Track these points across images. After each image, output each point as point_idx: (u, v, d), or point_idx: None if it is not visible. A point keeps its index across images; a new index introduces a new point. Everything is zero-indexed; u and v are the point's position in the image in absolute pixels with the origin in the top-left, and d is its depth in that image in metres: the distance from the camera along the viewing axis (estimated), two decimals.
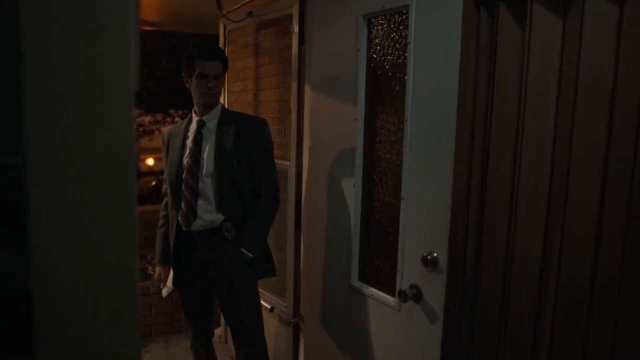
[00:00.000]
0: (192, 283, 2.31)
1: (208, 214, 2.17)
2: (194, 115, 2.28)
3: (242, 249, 2.17)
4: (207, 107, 2.24)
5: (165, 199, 2.39)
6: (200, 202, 2.16)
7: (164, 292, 2.48)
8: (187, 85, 2.26)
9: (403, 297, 1.79)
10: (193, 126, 2.26)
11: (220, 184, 2.15)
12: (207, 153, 2.19)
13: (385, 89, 1.97)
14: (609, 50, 1.25)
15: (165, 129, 2.42)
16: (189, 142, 2.23)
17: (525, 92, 1.43)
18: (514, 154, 1.52)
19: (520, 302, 1.62)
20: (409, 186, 1.81)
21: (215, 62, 2.17)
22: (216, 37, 3.49)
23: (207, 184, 2.16)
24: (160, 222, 2.42)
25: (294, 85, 2.56)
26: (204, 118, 2.24)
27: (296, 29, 2.53)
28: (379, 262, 2.05)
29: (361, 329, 2.08)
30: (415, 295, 1.79)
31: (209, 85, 2.16)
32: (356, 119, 2.02)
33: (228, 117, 2.26)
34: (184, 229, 2.21)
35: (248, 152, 2.19)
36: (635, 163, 1.23)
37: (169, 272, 2.40)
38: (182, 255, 2.27)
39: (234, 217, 2.18)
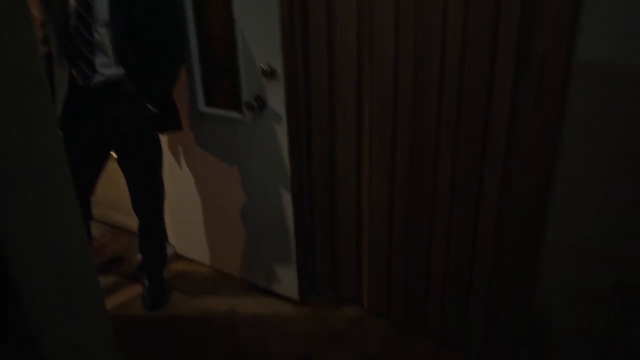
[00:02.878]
0: (85, 138, 2.09)
1: (107, 68, 1.97)
2: None
3: (148, 105, 2.05)
4: None
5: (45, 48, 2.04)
6: (97, 55, 1.94)
7: None
8: None
9: (250, 108, 2.08)
10: None
11: (118, 34, 1.93)
12: None
13: None
14: None
15: None
16: None
17: None
18: None
19: (344, 100, 2.02)
20: (240, 10, 1.99)
21: None
22: None
23: (103, 35, 1.93)
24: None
25: None
26: None
27: None
28: (223, 85, 2.27)
29: (216, 148, 2.36)
30: (260, 105, 2.08)
31: None
32: None
33: None
34: (79, 83, 1.97)
35: None
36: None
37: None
38: (74, 111, 2.02)
39: (135, 70, 2.01)
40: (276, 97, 2.04)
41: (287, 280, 2.40)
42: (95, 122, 2.05)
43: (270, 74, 2.00)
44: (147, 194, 2.31)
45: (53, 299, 0.87)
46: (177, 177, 2.58)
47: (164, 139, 2.44)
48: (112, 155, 2.27)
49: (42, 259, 0.84)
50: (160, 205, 2.37)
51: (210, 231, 2.63)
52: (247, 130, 2.20)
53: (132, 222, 2.48)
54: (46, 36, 2.01)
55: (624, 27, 1.34)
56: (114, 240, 3.07)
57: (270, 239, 2.37)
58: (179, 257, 2.86)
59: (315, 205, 2.33)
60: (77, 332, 0.94)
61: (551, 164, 1.54)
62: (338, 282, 2.44)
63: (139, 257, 2.46)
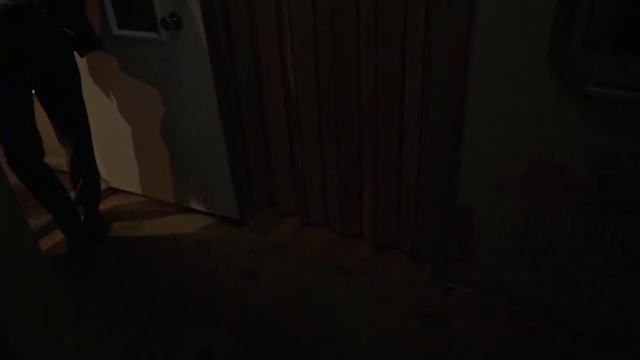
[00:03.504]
0: (3, 79, 1.90)
1: None
2: None
3: (65, 29, 1.92)
4: None
5: None
6: None
7: None
8: None
9: (166, 25, 1.98)
10: None
11: None
12: None
13: None
14: None
15: None
16: None
17: None
18: None
19: (265, 11, 1.96)
20: None
21: None
22: None
23: None
24: None
25: None
26: None
27: None
28: (134, 5, 2.14)
29: (136, 72, 2.26)
30: (177, 22, 1.99)
31: None
32: None
33: None
34: None
35: None
36: None
37: None
38: None
39: None
40: (192, 15, 1.95)
41: (226, 201, 2.42)
42: (11, 57, 1.86)
43: None
44: (75, 121, 2.19)
45: None
46: (101, 108, 2.47)
47: (84, 67, 2.32)
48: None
49: None
50: (89, 130, 2.25)
51: (141, 160, 2.57)
52: (165, 49, 2.11)
53: (61, 160, 2.37)
54: None
55: None
56: None
57: (203, 161, 2.36)
58: (113, 190, 2.80)
59: (244, 121, 2.31)
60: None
61: (465, 65, 1.59)
62: (276, 197, 2.48)
63: (72, 194, 2.38)
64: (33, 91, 2.05)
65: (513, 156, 1.65)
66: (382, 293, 2.01)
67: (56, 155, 2.37)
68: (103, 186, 2.67)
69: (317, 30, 1.90)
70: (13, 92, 1.92)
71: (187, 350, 1.82)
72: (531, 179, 1.65)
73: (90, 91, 2.40)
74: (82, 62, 2.29)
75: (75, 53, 2.11)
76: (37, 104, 2.06)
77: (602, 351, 1.72)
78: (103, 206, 2.60)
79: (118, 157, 2.63)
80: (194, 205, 2.55)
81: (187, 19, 1.98)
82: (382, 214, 2.15)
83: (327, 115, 2.07)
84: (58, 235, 2.41)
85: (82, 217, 2.38)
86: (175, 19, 1.99)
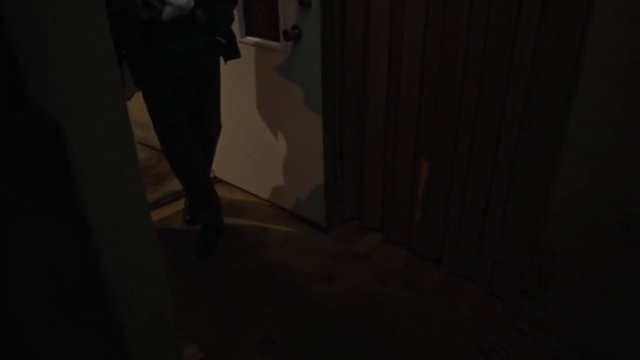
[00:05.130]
0: (161, 78, 2.08)
1: None
2: None
3: (218, 37, 2.05)
4: None
5: None
6: None
7: (125, 95, 2.15)
8: None
9: (287, 36, 2.17)
10: None
11: None
12: None
13: None
14: None
15: None
16: None
17: None
18: None
19: (378, 26, 2.08)
20: None
21: None
22: None
23: None
24: None
25: None
26: None
27: None
28: (262, 15, 2.37)
29: (254, 76, 2.48)
30: (297, 34, 2.17)
31: None
32: None
33: None
34: (146, 19, 1.91)
35: None
36: None
37: (123, 73, 2.12)
38: (143, 51, 1.99)
39: (203, 1, 1.97)
40: (311, 28, 2.13)
41: (316, 207, 2.55)
42: (168, 60, 2.01)
43: (307, 4, 2.08)
44: (211, 126, 2.37)
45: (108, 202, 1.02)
46: None
47: None
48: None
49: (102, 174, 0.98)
50: (218, 133, 2.44)
51: (245, 157, 2.79)
52: (283, 58, 2.31)
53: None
54: None
55: None
56: (158, 164, 3.30)
57: (300, 166, 2.52)
58: (217, 180, 3.06)
59: (346, 138, 2.44)
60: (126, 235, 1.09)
61: (566, 106, 1.58)
62: (363, 211, 2.57)
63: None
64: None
65: (608, 204, 1.60)
66: (449, 319, 2.02)
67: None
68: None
69: (426, 55, 1.99)
70: (167, 93, 2.11)
71: (254, 334, 1.96)
72: (624, 230, 1.60)
73: None
74: None
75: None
76: None
77: None
78: None
79: (225, 151, 2.87)
80: (286, 205, 2.72)
81: (307, 33, 2.15)
82: (463, 242, 2.16)
83: (423, 139, 2.14)
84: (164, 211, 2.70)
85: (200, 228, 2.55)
86: (296, 31, 2.17)
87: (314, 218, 2.59)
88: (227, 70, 2.57)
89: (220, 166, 3.00)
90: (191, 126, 2.26)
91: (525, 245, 1.87)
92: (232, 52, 2.21)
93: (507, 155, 1.87)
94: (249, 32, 2.42)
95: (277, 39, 2.30)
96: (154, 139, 2.58)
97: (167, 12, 1.88)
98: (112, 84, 0.98)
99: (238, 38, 2.42)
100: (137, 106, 2.21)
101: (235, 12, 2.36)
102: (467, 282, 2.22)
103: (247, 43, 2.42)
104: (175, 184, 2.92)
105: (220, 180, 3.06)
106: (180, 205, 2.81)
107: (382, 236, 2.54)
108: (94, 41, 0.96)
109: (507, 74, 1.77)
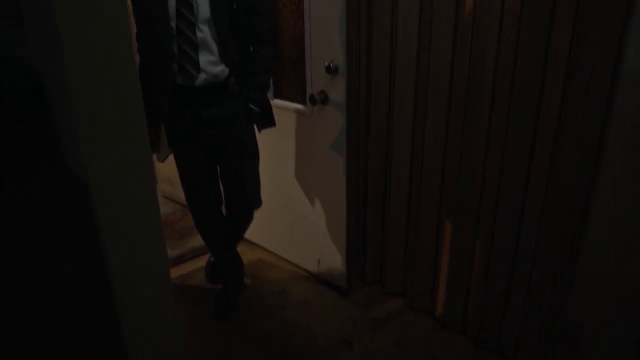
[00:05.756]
0: (193, 142, 2.10)
1: (212, 66, 1.95)
2: None
3: (251, 105, 2.06)
4: None
5: (141, 55, 2.08)
6: (202, 53, 1.93)
7: (159, 156, 2.22)
8: None
9: (313, 101, 2.23)
10: None
11: (221, 31, 1.92)
12: None
13: None
14: None
15: None
16: None
17: None
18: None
19: (402, 91, 2.12)
20: (310, 7, 2.16)
21: None
22: None
23: (205, 33, 1.91)
24: (140, 82, 2.05)
25: None
26: None
27: None
28: (290, 79, 2.44)
29: (279, 136, 2.53)
30: (323, 98, 2.23)
31: None
32: None
33: None
34: (181, 84, 1.97)
35: None
36: None
37: (159, 134, 2.18)
38: (177, 114, 2.04)
39: (237, 69, 2.01)
40: (337, 93, 2.18)
41: (337, 269, 2.52)
42: (201, 125, 2.04)
43: (333, 70, 2.14)
44: (245, 198, 2.29)
45: (128, 256, 1.04)
46: None
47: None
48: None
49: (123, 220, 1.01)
50: (255, 206, 2.34)
51: (268, 215, 2.81)
52: (309, 121, 2.36)
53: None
54: (142, 45, 2.04)
55: None
56: (182, 219, 3.33)
57: (323, 228, 2.51)
58: None
59: (369, 200, 2.44)
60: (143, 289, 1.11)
61: (592, 178, 1.57)
62: (385, 275, 2.53)
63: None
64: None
65: (636, 277, 1.55)
66: None
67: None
68: None
69: (448, 136, 2.00)
70: (198, 158, 2.13)
71: None
72: None
73: None
74: None
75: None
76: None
77: None
78: None
79: None
80: (307, 266, 2.70)
81: (333, 97, 2.21)
82: (488, 311, 2.08)
83: (447, 202, 2.12)
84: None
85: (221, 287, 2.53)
86: (322, 95, 2.23)
87: (335, 280, 2.56)
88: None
89: None
90: (218, 193, 2.26)
91: (552, 317, 1.79)
92: (267, 121, 2.21)
93: (532, 223, 1.84)
94: (277, 95, 2.50)
95: (303, 102, 2.36)
96: (180, 194, 2.63)
97: (201, 79, 1.95)
98: (141, 147, 1.01)
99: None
100: (166, 162, 2.28)
101: None
102: (492, 353, 2.13)
103: (274, 105, 2.48)
104: (198, 240, 2.94)
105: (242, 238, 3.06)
106: (203, 261, 2.82)
107: (403, 302, 2.48)
108: (125, 106, 1.00)
109: (531, 144, 1.76)
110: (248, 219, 2.39)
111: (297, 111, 2.40)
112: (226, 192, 2.28)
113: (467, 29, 1.81)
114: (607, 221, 1.58)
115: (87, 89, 0.89)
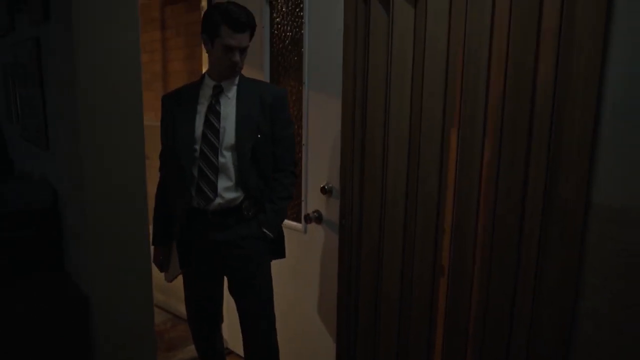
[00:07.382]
0: (203, 264, 2.10)
1: (228, 192, 1.97)
2: (207, 78, 2.01)
3: (265, 230, 2.05)
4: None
5: (161, 174, 2.14)
6: (221, 178, 1.95)
7: (168, 276, 2.23)
8: (205, 46, 1.96)
9: (308, 220, 2.34)
10: (206, 92, 1.99)
11: (242, 158, 1.94)
12: (227, 123, 1.95)
13: (285, 58, 2.46)
14: (443, 28, 1.85)
15: (165, 94, 2.12)
16: (203, 109, 1.97)
17: (391, 61, 1.99)
18: (384, 109, 2.10)
19: (394, 213, 2.23)
20: (308, 135, 2.34)
21: (245, 34, 1.89)
22: None
23: (227, 159, 1.95)
24: (157, 200, 2.14)
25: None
26: (222, 83, 1.98)
27: (205, 4, 2.90)
28: None
29: None
30: (317, 217, 2.34)
31: (236, 59, 1.90)
32: None
33: (247, 85, 2.02)
34: (197, 207, 1.98)
35: (272, 123, 2.01)
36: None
37: (168, 254, 2.20)
38: (190, 235, 2.05)
39: (253, 194, 2.01)
40: (331, 213, 2.30)
41: None
42: (212, 247, 2.04)
43: (328, 192, 2.27)
44: (259, 321, 2.17)
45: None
46: None
47: None
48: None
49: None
50: (272, 333, 2.22)
51: None
52: (303, 238, 2.45)
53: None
54: (163, 163, 2.11)
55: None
56: (173, 329, 3.30)
57: (312, 343, 2.50)
58: (229, 352, 3.01)
59: (359, 316, 2.45)
60: None
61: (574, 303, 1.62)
62: None
63: None
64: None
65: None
66: None
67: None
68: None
69: (435, 264, 2.09)
70: (207, 279, 2.15)
71: None
72: None
73: None
74: None
75: None
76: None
77: None
78: None
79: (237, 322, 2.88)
80: None
81: (327, 217, 2.32)
82: None
83: (436, 333, 2.14)
84: None
85: None
86: (316, 214, 2.34)
87: None
88: None
89: (234, 338, 2.98)
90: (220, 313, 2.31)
91: None
92: (278, 251, 2.19)
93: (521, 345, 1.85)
94: None
95: (298, 220, 2.47)
96: (172, 304, 2.65)
97: (216, 203, 1.96)
98: (144, 264, 1.09)
99: None
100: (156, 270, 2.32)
101: None
102: None
103: None
104: (187, 352, 2.90)
105: (231, 352, 3.01)
106: None
107: None
108: (133, 226, 1.10)
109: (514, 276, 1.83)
110: (258, 346, 2.21)
111: (292, 228, 2.50)
112: (240, 318, 2.21)
113: (451, 173, 1.96)
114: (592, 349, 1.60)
115: (102, 210, 0.98)
